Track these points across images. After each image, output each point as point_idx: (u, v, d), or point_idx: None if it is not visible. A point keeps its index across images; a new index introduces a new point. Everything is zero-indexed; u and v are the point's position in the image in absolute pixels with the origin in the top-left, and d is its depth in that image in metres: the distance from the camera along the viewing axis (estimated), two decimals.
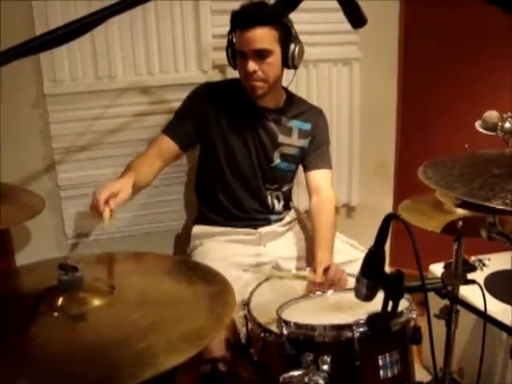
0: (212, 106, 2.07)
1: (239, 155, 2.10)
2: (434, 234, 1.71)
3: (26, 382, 0.95)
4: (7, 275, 1.55)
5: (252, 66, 1.91)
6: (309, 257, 2.10)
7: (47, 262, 1.45)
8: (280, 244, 2.19)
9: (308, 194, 2.16)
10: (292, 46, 1.96)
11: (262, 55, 1.91)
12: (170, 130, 2.08)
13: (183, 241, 2.42)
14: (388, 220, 1.15)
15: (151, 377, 0.92)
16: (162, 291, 1.29)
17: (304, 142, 2.16)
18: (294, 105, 2.17)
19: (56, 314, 1.14)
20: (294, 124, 2.15)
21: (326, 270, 1.81)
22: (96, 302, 1.18)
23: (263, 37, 1.89)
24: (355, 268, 1.96)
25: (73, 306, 1.16)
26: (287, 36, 1.95)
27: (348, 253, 2.06)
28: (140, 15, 2.20)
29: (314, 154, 2.18)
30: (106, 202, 1.68)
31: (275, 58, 1.95)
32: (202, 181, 2.27)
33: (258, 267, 2.05)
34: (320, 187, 2.13)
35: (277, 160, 2.15)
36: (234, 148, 2.09)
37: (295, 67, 2.03)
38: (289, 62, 1.98)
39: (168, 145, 2.05)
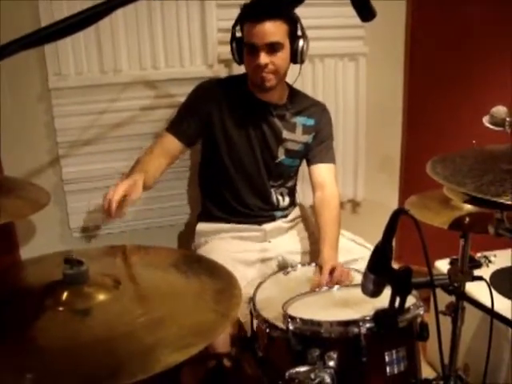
0: (215, 103, 2.06)
1: (242, 151, 2.10)
2: (438, 230, 1.70)
3: (34, 375, 0.94)
4: (12, 268, 1.55)
5: (264, 58, 1.91)
6: (313, 252, 2.09)
7: (52, 255, 1.45)
8: (285, 240, 2.18)
9: (312, 189, 2.16)
10: (301, 41, 1.97)
11: (274, 48, 1.91)
12: (173, 127, 2.08)
13: (186, 235, 2.42)
14: (396, 215, 1.14)
15: (160, 371, 0.91)
16: (168, 286, 1.28)
17: (308, 138, 2.16)
18: (297, 100, 2.16)
19: (61, 308, 1.14)
20: (298, 120, 2.14)
21: (331, 271, 1.79)
22: (101, 297, 1.17)
23: (276, 30, 1.89)
24: (360, 266, 1.97)
25: (78, 300, 1.16)
26: (296, 31, 1.96)
27: (352, 251, 2.04)
28: (145, 9, 2.19)
29: (318, 148, 2.17)
30: (119, 203, 1.68)
31: (286, 52, 1.95)
32: (205, 176, 2.26)
33: (264, 262, 2.04)
34: (324, 182, 2.12)
35: (281, 156, 2.14)
36: (237, 144, 2.09)
37: (302, 62, 2.02)
38: (297, 56, 1.99)
39: (172, 143, 2.05)
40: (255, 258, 2.05)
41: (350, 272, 1.80)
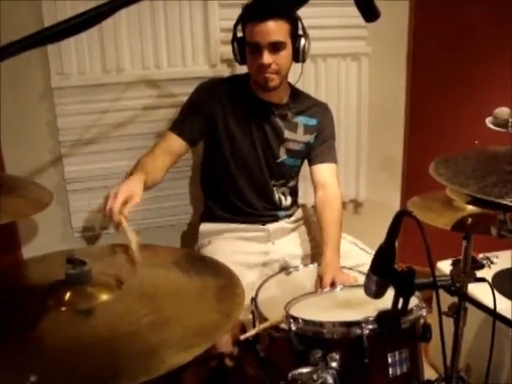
0: (217, 102, 2.06)
1: (245, 150, 2.09)
2: (440, 231, 1.69)
3: (36, 375, 0.94)
4: (14, 268, 1.54)
5: (268, 58, 1.90)
6: (314, 255, 2.09)
7: (55, 255, 1.45)
8: (288, 242, 2.17)
9: (313, 189, 2.15)
10: (302, 40, 1.97)
11: (277, 48, 1.91)
12: (176, 126, 2.07)
13: (189, 235, 2.41)
14: (400, 217, 1.13)
15: (164, 372, 0.91)
16: (171, 285, 1.28)
17: (309, 138, 2.15)
18: (299, 100, 2.16)
19: (64, 308, 1.14)
20: (300, 120, 2.14)
21: (332, 283, 1.76)
22: (104, 297, 1.17)
23: (279, 29, 1.89)
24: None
25: (81, 300, 1.16)
26: (297, 30, 1.96)
27: (354, 257, 2.02)
28: (148, 9, 2.18)
29: (320, 148, 2.16)
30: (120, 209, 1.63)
31: (288, 51, 1.95)
32: (207, 176, 2.25)
33: (266, 266, 2.04)
34: (325, 182, 2.11)
35: (283, 156, 2.14)
36: (239, 143, 2.08)
37: (303, 61, 2.03)
38: (299, 55, 1.99)
39: (176, 142, 2.04)
40: (258, 261, 2.03)
41: (350, 278, 1.78)
